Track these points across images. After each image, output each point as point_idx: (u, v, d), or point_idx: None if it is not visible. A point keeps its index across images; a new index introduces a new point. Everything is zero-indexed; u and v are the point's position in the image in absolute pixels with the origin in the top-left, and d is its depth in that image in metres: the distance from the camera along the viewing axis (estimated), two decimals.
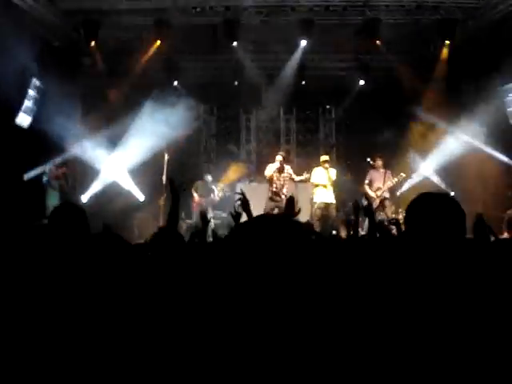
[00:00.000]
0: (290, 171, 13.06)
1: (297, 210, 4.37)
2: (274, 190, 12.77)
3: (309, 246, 1.28)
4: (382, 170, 13.14)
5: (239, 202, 4.23)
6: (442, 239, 2.11)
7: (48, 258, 2.99)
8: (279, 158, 12.86)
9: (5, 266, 2.83)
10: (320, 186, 12.95)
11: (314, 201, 12.97)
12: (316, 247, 1.29)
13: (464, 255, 2.12)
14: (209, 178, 14.27)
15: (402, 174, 12.90)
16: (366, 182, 13.22)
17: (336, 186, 13.17)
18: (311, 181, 13.11)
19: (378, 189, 12.95)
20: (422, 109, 14.24)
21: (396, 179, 12.85)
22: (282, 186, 12.81)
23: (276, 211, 12.42)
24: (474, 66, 12.34)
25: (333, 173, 13.01)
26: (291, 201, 4.22)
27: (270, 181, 12.83)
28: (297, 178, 13.04)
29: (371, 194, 12.84)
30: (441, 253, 2.08)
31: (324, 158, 13.24)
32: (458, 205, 2.24)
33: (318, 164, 13.24)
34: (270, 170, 12.84)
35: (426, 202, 2.28)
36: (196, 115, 16.47)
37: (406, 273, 2.08)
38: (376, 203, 12.64)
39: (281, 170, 12.83)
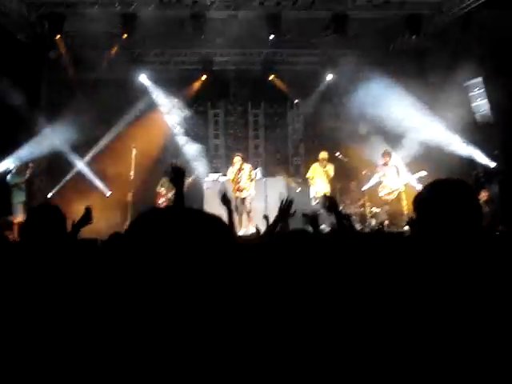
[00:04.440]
0: (249, 170, 13.02)
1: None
2: (237, 188, 12.78)
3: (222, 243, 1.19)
4: (392, 166, 13.19)
5: (221, 198, 4.17)
6: (458, 231, 1.88)
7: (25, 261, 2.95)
8: (238, 159, 12.87)
9: None
10: (315, 182, 13.25)
11: (312, 195, 13.29)
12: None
13: (483, 248, 1.89)
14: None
15: (423, 171, 12.42)
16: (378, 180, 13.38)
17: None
18: (307, 176, 13.54)
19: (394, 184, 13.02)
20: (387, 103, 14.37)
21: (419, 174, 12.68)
22: (244, 184, 12.78)
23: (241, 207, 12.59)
24: (441, 61, 12.49)
25: (329, 169, 13.19)
26: (289, 203, 4.11)
27: (233, 182, 12.82)
28: (253, 176, 13.03)
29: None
30: (459, 246, 1.86)
31: (321, 154, 13.37)
32: (472, 191, 2.01)
33: (316, 160, 13.42)
34: (231, 172, 12.93)
35: (440, 191, 2.01)
36: (164, 109, 16.34)
37: (417, 271, 1.89)
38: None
39: (240, 170, 12.80)
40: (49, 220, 3.10)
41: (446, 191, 1.99)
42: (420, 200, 2.05)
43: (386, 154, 13.16)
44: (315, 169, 13.37)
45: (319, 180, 13.23)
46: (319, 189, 13.00)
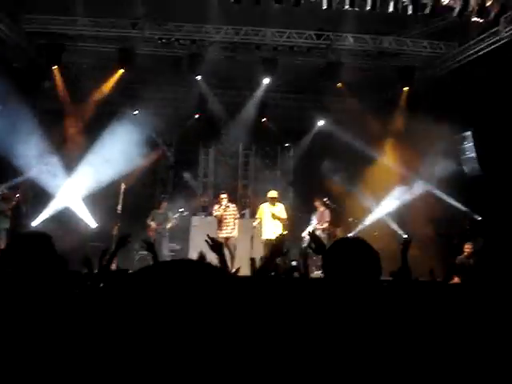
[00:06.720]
0: (234, 209, 12.95)
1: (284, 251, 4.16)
2: (223, 227, 12.68)
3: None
4: (321, 210, 13.47)
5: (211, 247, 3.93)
6: (357, 282, 2.23)
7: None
8: (224, 196, 12.80)
9: None
10: (264, 223, 12.76)
11: (262, 238, 12.69)
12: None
13: (379, 297, 2.25)
14: (165, 205, 14.10)
15: (350, 219, 13.17)
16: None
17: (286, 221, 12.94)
18: (256, 216, 13.09)
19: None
20: (378, 152, 14.50)
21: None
22: (228, 223, 12.72)
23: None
24: (431, 112, 12.64)
25: (277, 209, 12.74)
26: (280, 240, 4.06)
27: (219, 220, 12.74)
28: (237, 216, 13.02)
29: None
30: (356, 295, 2.20)
31: (270, 194, 12.96)
32: (370, 248, 2.34)
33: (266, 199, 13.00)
34: (217, 210, 12.77)
35: (342, 248, 2.40)
36: (155, 146, 16.41)
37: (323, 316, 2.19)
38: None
39: (226, 208, 12.70)
40: (35, 247, 2.96)
41: (344, 247, 2.41)
42: (325, 253, 2.49)
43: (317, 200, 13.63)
44: (262, 209, 12.85)
45: (268, 221, 12.63)
46: (266, 231, 12.57)
